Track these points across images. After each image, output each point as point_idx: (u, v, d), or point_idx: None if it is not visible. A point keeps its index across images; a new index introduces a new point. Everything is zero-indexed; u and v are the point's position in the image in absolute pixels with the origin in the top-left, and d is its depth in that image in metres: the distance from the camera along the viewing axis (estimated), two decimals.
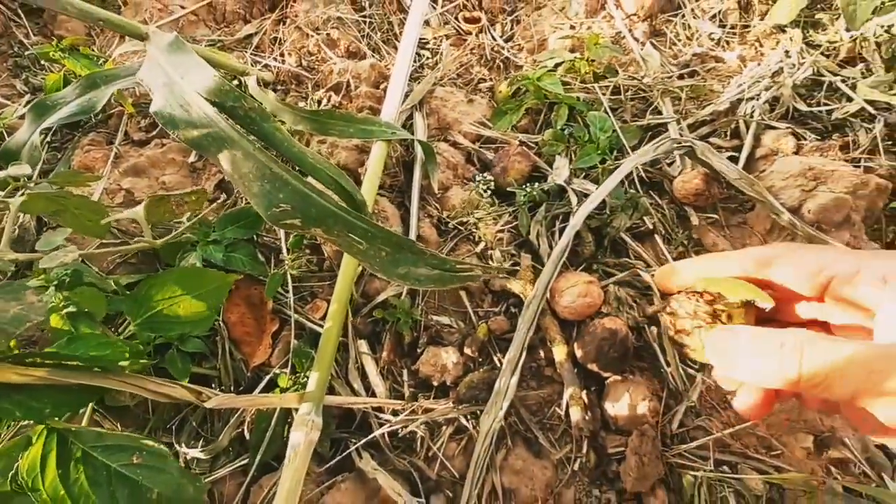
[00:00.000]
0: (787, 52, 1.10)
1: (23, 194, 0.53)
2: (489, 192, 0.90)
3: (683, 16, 1.20)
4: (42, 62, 1.20)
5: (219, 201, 0.97)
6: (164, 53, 0.63)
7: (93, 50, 1.21)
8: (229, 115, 0.61)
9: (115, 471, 0.48)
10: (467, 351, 0.83)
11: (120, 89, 1.08)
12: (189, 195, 0.67)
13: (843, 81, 1.05)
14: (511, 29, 1.28)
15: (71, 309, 0.61)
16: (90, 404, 0.64)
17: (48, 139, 1.10)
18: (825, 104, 1.02)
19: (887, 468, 0.73)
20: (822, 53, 1.10)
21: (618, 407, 0.75)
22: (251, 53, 1.21)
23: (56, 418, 0.46)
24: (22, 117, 1.12)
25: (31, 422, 0.50)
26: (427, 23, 1.27)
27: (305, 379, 0.77)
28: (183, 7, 1.25)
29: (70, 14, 0.62)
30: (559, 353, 0.79)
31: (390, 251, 0.60)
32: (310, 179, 0.92)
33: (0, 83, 1.19)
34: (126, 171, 1.00)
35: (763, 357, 0.28)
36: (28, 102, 1.14)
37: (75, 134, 1.11)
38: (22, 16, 1.26)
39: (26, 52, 1.21)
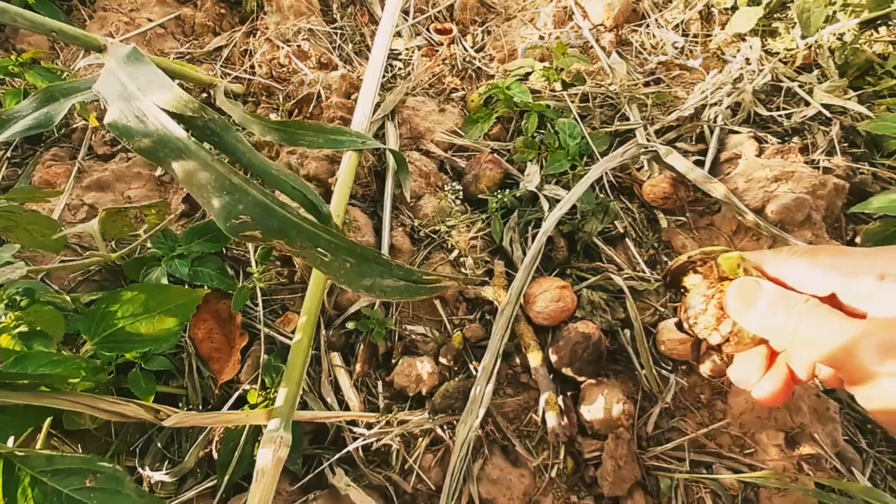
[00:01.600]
0: (747, 59, 1.14)
1: None
2: (459, 200, 0.90)
3: (648, 26, 1.23)
4: (2, 79, 1.16)
5: (182, 215, 0.95)
6: (122, 65, 0.62)
7: (56, 64, 1.18)
8: (188, 126, 0.60)
9: (66, 496, 0.46)
10: (443, 360, 0.82)
11: (84, 103, 1.05)
12: (149, 208, 0.65)
13: (800, 87, 1.09)
14: (482, 39, 1.29)
15: (23, 329, 0.58)
16: (45, 428, 0.61)
17: (8, 155, 1.07)
18: (784, 108, 1.06)
19: (857, 463, 0.74)
20: (780, 60, 1.14)
21: (593, 411, 0.75)
22: (221, 66, 1.20)
23: (1, 441, 0.43)
24: None
25: None
26: (398, 34, 1.28)
27: (275, 394, 0.75)
28: (150, 20, 1.23)
29: (21, 26, 0.60)
30: (534, 358, 0.79)
31: (355, 262, 0.59)
32: (277, 193, 0.91)
33: None
34: (89, 185, 0.97)
35: (780, 312, 0.29)
36: None
37: (37, 149, 1.08)
38: None
39: None
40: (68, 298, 0.66)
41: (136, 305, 0.68)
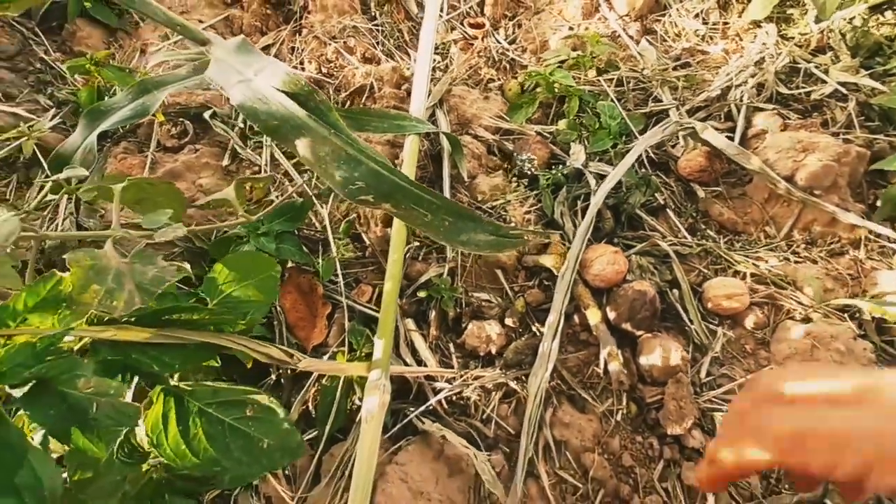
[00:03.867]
0: (764, 44, 1.23)
1: (123, 182, 0.58)
2: (532, 170, 0.98)
3: (670, 15, 1.31)
4: (65, 78, 1.23)
5: (251, 202, 1.02)
6: (233, 54, 0.69)
7: (117, 63, 1.25)
8: (301, 107, 0.67)
9: (229, 425, 0.52)
10: (508, 322, 0.89)
11: None
12: (258, 181, 0.72)
13: (816, 67, 1.17)
14: (513, 32, 1.37)
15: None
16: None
17: None
18: (803, 87, 1.14)
19: None
20: (795, 44, 1.23)
21: (652, 360, 0.82)
22: None
23: (181, 372, 0.50)
24: (52, 129, 1.15)
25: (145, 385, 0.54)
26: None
27: (363, 354, 0.82)
28: (201, 21, 1.30)
29: (155, 19, 0.67)
30: (593, 316, 0.87)
31: (452, 220, 0.67)
32: None
33: (22, 98, 1.21)
34: (164, 175, 1.04)
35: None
36: (55, 116, 1.17)
37: (104, 144, 1.14)
38: (40, 34, 1.29)
39: (50, 69, 1.23)
40: (188, 267, 0.73)
41: (233, 274, 0.75)
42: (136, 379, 0.47)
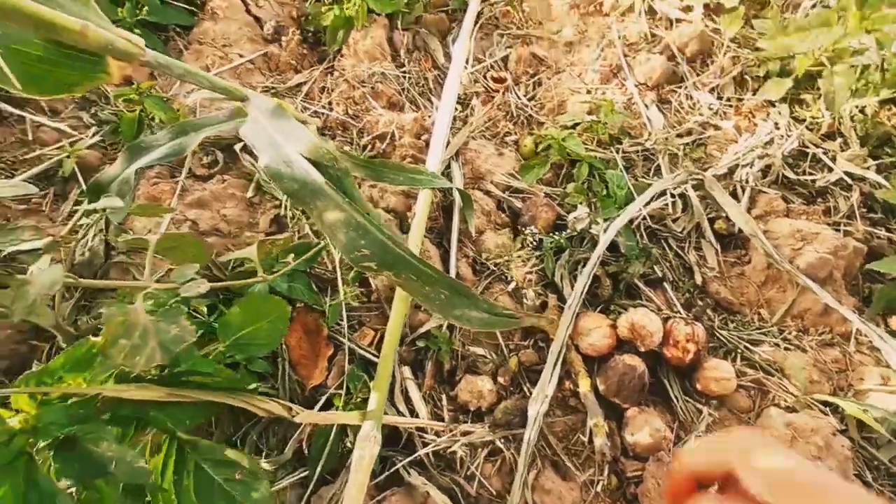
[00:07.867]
0: (776, 124, 1.27)
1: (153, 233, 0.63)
2: (535, 242, 1.02)
3: (686, 87, 1.36)
4: (108, 97, 1.31)
5: (268, 234, 1.08)
6: (267, 117, 0.75)
7: (158, 90, 1.33)
8: (322, 172, 0.73)
9: (218, 484, 0.56)
10: (500, 380, 0.93)
11: None
12: (278, 240, 0.78)
13: (824, 153, 1.21)
14: (533, 90, 1.43)
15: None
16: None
17: None
18: (809, 173, 1.18)
19: None
20: (806, 127, 1.27)
21: (637, 436, 0.85)
22: (301, 100, 1.34)
23: (187, 427, 0.54)
24: (91, 147, 1.23)
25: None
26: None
27: (359, 399, 0.86)
28: (241, 55, 1.38)
29: (181, 78, 0.74)
30: (583, 385, 0.90)
31: (448, 294, 0.71)
32: None
33: (67, 115, 1.30)
34: (191, 203, 1.10)
35: None
36: (95, 134, 1.25)
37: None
38: None
39: (95, 88, 1.32)
40: (204, 309, 0.78)
41: (249, 314, 0.80)
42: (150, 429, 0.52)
